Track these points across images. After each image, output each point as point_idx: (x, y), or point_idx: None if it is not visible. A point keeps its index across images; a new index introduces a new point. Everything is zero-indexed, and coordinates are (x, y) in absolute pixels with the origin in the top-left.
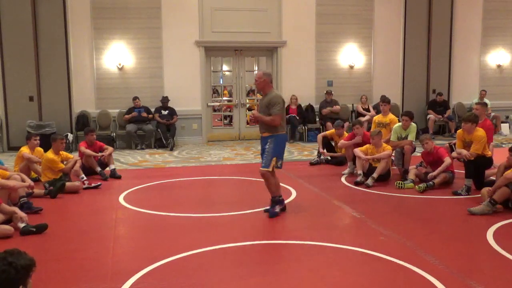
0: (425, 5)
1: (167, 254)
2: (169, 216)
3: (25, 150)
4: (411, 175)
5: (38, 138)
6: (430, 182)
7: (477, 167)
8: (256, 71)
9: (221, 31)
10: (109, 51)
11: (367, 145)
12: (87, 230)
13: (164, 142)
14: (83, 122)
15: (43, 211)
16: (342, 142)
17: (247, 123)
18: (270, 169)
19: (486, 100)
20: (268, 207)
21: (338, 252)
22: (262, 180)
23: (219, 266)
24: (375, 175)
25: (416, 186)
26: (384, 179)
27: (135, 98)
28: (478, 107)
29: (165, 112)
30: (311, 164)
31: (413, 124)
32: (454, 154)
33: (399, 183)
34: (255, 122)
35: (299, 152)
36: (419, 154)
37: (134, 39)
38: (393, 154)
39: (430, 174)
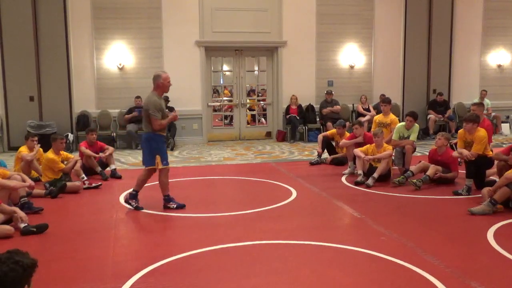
0: (425, 5)
1: (167, 254)
2: (169, 216)
3: (23, 150)
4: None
5: (35, 139)
6: (425, 176)
7: (478, 167)
8: (257, 71)
9: (221, 31)
10: (109, 51)
11: (368, 145)
12: (87, 230)
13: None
14: (83, 122)
15: (44, 211)
16: (343, 141)
17: (248, 123)
18: None
19: (486, 100)
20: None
21: (339, 252)
22: (262, 180)
23: (219, 266)
24: (375, 175)
25: (411, 181)
26: (384, 179)
27: (137, 97)
28: (474, 107)
29: None
30: (311, 164)
31: (416, 125)
32: (455, 153)
33: (396, 181)
34: None
35: (300, 152)
36: (419, 154)
37: (134, 39)
38: (393, 154)
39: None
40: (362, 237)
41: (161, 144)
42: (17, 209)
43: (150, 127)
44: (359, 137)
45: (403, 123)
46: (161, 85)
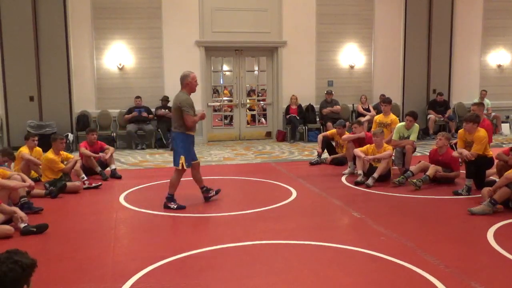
0: (425, 5)
1: (167, 254)
2: (169, 216)
3: (24, 150)
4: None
5: (36, 138)
6: (425, 176)
7: (478, 167)
8: (257, 71)
9: (221, 31)
10: (109, 51)
11: (368, 145)
12: (87, 230)
13: (165, 142)
14: (83, 122)
15: (44, 211)
16: (345, 135)
17: (248, 123)
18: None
19: (486, 100)
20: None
21: (339, 252)
22: (262, 180)
23: (219, 266)
24: (375, 175)
25: (411, 182)
26: (384, 179)
27: (137, 97)
28: (474, 108)
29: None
30: (311, 164)
31: (416, 125)
32: (455, 153)
33: (396, 181)
34: None
35: (300, 152)
36: (419, 154)
37: (134, 39)
38: (393, 154)
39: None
40: (362, 237)
41: (191, 144)
42: (17, 209)
43: (183, 126)
44: (362, 132)
45: (403, 123)
46: (189, 83)
